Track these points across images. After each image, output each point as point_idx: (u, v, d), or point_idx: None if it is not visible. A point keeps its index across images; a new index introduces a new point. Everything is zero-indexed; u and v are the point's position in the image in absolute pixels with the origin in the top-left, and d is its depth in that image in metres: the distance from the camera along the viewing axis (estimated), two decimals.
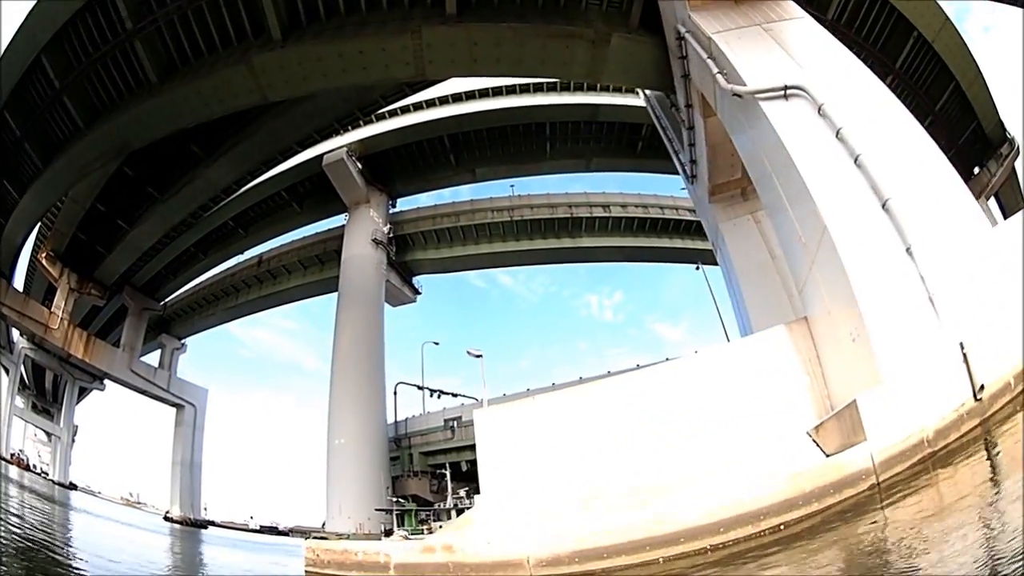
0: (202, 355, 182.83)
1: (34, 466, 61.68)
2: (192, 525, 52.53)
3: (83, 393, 69.67)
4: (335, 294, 37.69)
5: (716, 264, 49.47)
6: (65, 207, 42.59)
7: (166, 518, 53.35)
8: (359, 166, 36.36)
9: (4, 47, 25.61)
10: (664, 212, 44.93)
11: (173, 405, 55.70)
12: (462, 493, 25.88)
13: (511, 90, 38.87)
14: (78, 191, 40.73)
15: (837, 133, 9.74)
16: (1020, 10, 23.09)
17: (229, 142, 34.42)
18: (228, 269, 49.24)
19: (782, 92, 10.85)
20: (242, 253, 48.29)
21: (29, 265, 50.97)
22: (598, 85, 38.50)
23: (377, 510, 26.43)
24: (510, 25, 19.55)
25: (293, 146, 35.03)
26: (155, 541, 27.29)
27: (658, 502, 9.09)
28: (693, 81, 15.63)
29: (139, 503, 71.46)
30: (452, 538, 10.76)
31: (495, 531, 10.21)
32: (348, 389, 31.95)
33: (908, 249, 8.54)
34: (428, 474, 34.12)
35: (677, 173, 45.33)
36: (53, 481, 57.81)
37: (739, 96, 11.84)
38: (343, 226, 41.97)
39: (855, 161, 9.41)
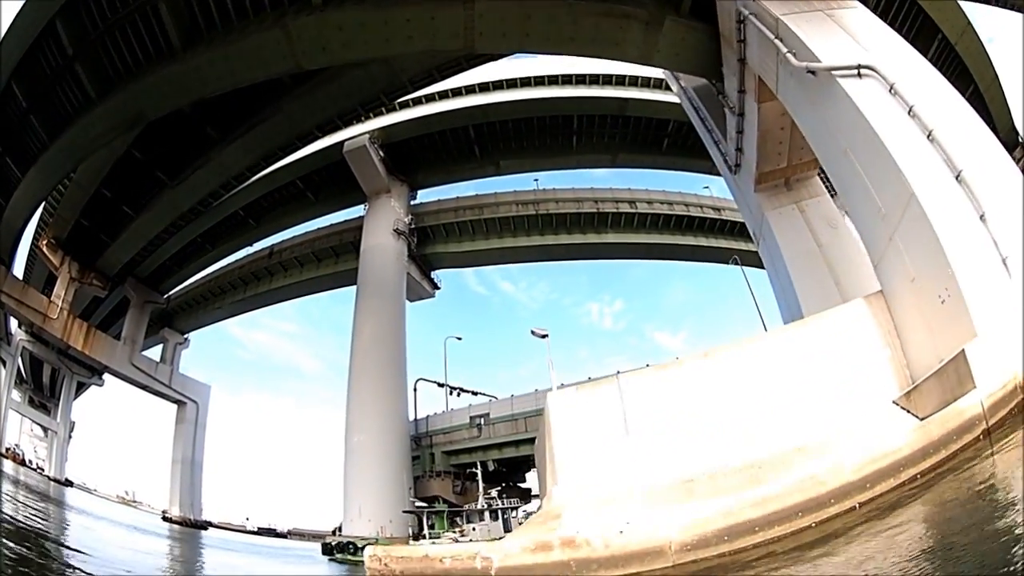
0: (201, 356, 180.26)
1: (30, 461, 59.98)
2: (192, 526, 50.41)
3: (81, 388, 68.06)
4: (347, 289, 36.31)
5: (739, 264, 48.55)
6: (69, 191, 40.79)
7: (165, 518, 51.22)
8: (381, 154, 34.73)
9: (15, 12, 23.97)
10: (689, 209, 43.88)
11: (174, 401, 53.68)
12: (494, 493, 24.42)
13: (539, 81, 37.59)
14: (83, 174, 39.00)
15: (910, 111, 10.16)
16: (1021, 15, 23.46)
17: (246, 124, 32.71)
18: (236, 261, 47.43)
19: (856, 71, 11.04)
20: (251, 245, 46.54)
21: (30, 253, 49.20)
22: (626, 79, 37.31)
23: (406, 512, 24.69)
24: (565, 1, 18.64)
25: (313, 131, 33.40)
26: (157, 546, 25.32)
27: (785, 473, 9.04)
28: (749, 65, 15.53)
29: (135, 501, 69.45)
30: (571, 531, 9.41)
31: (613, 519, 9.32)
32: (368, 384, 30.20)
33: (982, 216, 9.06)
34: (451, 474, 32.43)
35: (701, 171, 45.13)
36: (49, 477, 55.91)
37: (813, 73, 11.95)
38: (361, 217, 40.32)
39: (928, 137, 9.84)
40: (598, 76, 37.76)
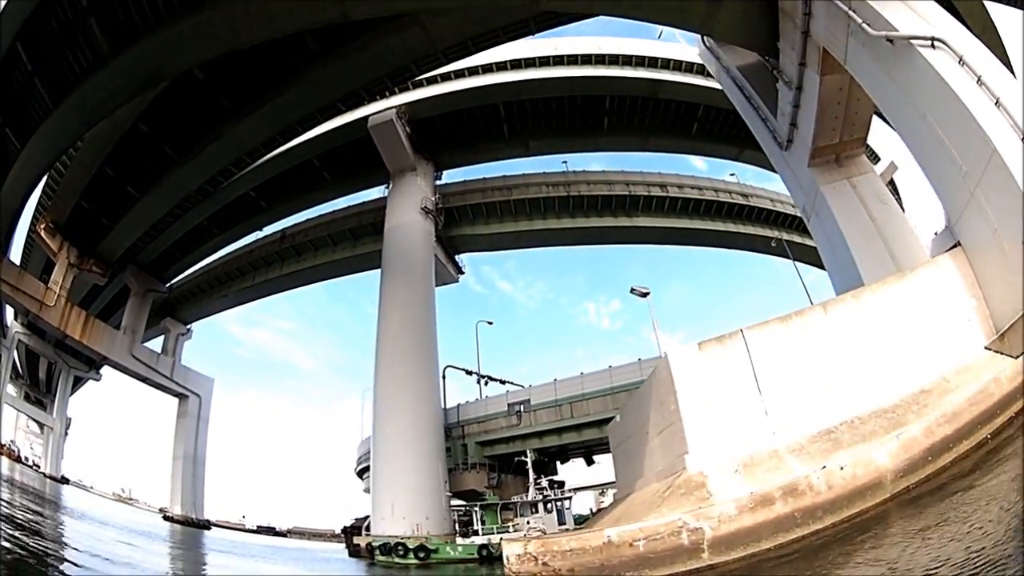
0: (198, 353, 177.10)
1: (26, 459, 57.94)
2: (194, 525, 47.97)
3: (78, 383, 65.94)
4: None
5: (758, 252, 47.09)
6: (69, 171, 38.46)
7: (166, 517, 48.74)
8: (407, 130, 32.67)
9: None
10: (719, 195, 42.77)
11: (176, 395, 51.21)
12: (545, 483, 22.79)
13: (572, 60, 35.97)
14: (85, 152, 36.72)
15: (978, 80, 10.79)
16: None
17: (266, 95, 30.57)
18: (245, 246, 45.10)
19: (929, 42, 11.61)
20: (261, 229, 44.30)
21: (27, 239, 46.71)
22: (658, 62, 36.02)
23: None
24: None
25: (337, 103, 31.28)
26: (163, 552, 22.87)
27: (922, 412, 9.36)
28: (814, 37, 15.70)
29: (131, 499, 67.51)
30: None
31: (767, 477, 8.98)
32: (398, 372, 28.05)
33: None
34: (485, 467, 30.47)
35: (728, 157, 43.74)
36: (44, 474, 53.52)
37: (891, 42, 12.44)
38: (381, 198, 38.29)
39: (996, 104, 10.44)
40: (630, 57, 36.31)
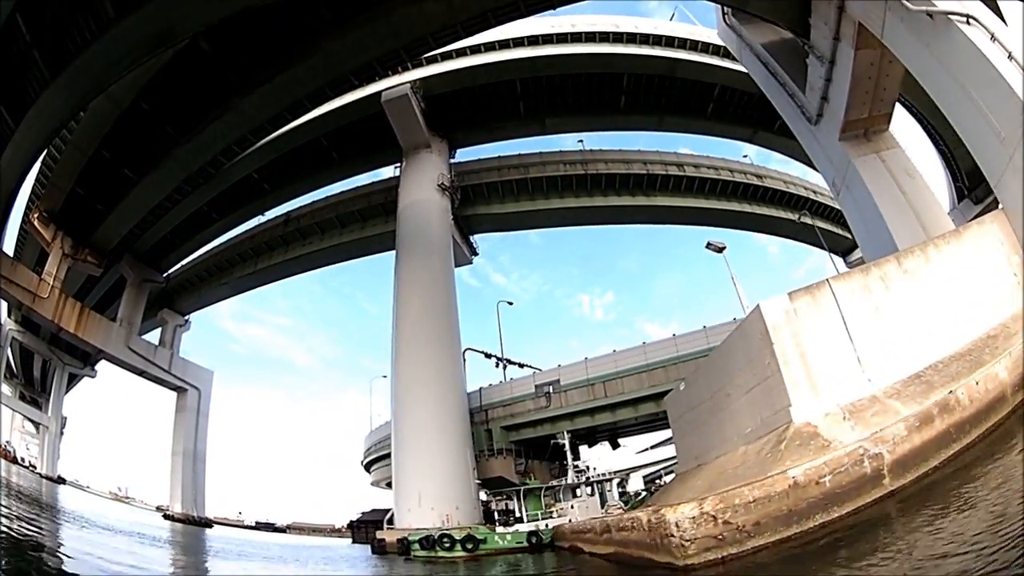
0: (194, 349, 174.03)
1: (22, 459, 56.38)
2: (195, 523, 46.39)
3: (73, 381, 64.35)
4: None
5: (773, 234, 46.58)
6: (65, 155, 36.84)
7: (166, 516, 47.07)
8: (422, 105, 31.41)
9: None
10: (734, 175, 42.38)
11: (174, 388, 49.51)
12: (582, 466, 21.91)
13: (590, 37, 35.20)
14: (81, 135, 35.19)
15: (1009, 55, 11.57)
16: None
17: (275, 67, 29.21)
18: (247, 231, 43.45)
19: (965, 19, 12.24)
20: (263, 213, 42.69)
21: (20, 231, 44.78)
22: (675, 41, 35.63)
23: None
24: None
25: (349, 77, 30.00)
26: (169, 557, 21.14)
27: (996, 353, 9.73)
28: (848, 12, 16.10)
29: (127, 498, 65.87)
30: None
31: (872, 422, 8.93)
32: (420, 355, 26.79)
33: None
34: (512, 452, 29.35)
35: (741, 139, 43.17)
36: (40, 475, 51.93)
37: (930, 16, 12.97)
38: (392, 178, 37.06)
39: None
40: (648, 36, 35.78)
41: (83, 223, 41.56)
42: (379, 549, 23.72)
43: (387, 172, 38.05)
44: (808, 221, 38.54)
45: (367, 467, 50.80)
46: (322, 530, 71.01)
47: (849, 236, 46.36)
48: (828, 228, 46.64)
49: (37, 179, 41.02)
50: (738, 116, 40.76)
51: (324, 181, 38.84)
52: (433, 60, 33.28)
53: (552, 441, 27.28)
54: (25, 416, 63.54)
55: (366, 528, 46.51)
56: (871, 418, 9.17)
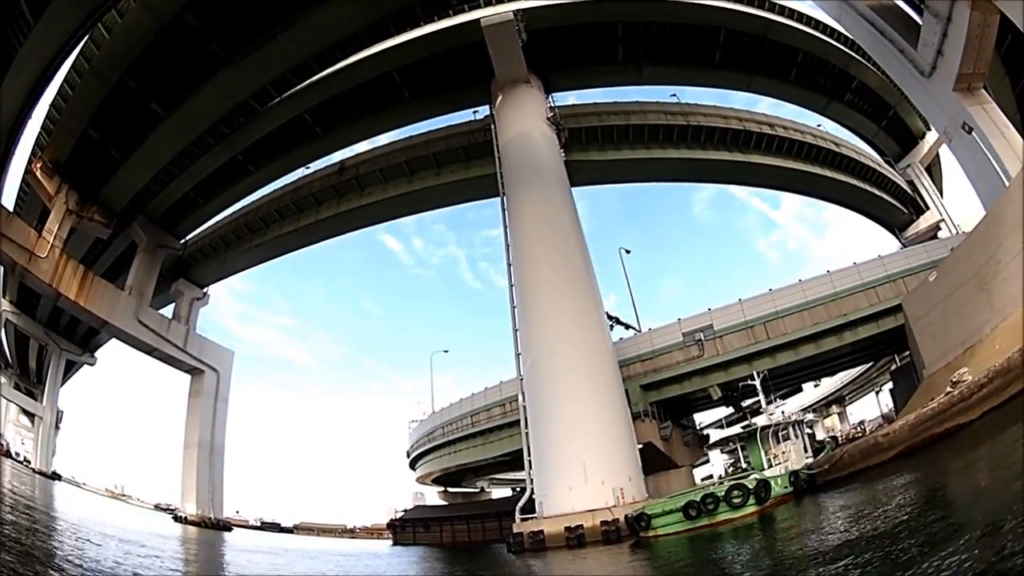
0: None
1: (16, 454, 51.41)
2: (212, 527, 40.21)
3: (70, 370, 59.16)
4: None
5: (843, 203, 44.00)
6: (81, 85, 31.14)
7: (177, 518, 40.73)
8: (524, 37, 27.06)
9: None
10: (818, 140, 40.45)
11: (188, 371, 43.40)
12: (810, 416, 18.48)
13: None
14: (105, 58, 29.57)
15: None
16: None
17: None
18: (287, 185, 37.78)
19: None
20: (308, 165, 37.27)
21: (20, 188, 38.77)
22: (766, 3, 34.73)
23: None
24: None
25: None
26: None
27: None
28: None
29: (124, 495, 60.47)
30: None
31: None
32: (553, 302, 21.57)
33: None
34: (653, 415, 24.95)
35: (816, 108, 41.46)
36: (34, 470, 46.27)
37: None
38: (471, 121, 32.35)
39: None
40: None
41: (92, 176, 36.12)
42: (516, 548, 18.70)
43: (463, 116, 33.40)
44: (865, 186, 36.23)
45: (412, 463, 45.50)
46: (332, 530, 65.45)
47: (906, 211, 46.29)
48: (891, 201, 45.33)
49: (43, 125, 35.20)
50: (816, 85, 40.22)
51: (389, 124, 33.73)
52: None
53: (742, 383, 22.96)
54: (20, 407, 58.06)
55: (413, 528, 41.40)
56: None
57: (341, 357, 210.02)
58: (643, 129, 32.69)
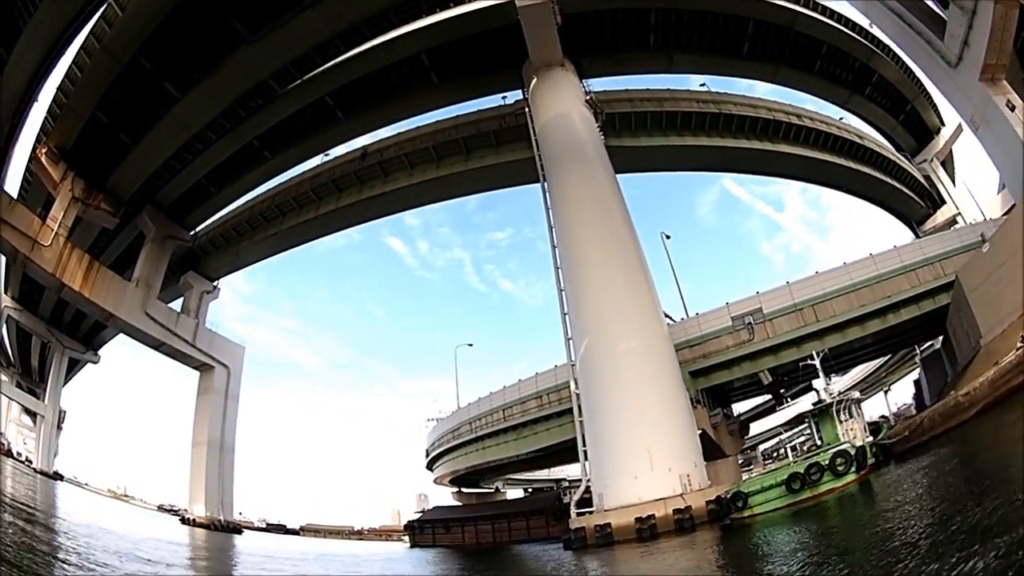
0: None
1: (18, 454, 49.56)
2: (222, 530, 38.67)
3: (72, 369, 57.48)
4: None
5: (860, 194, 43.75)
6: (91, 66, 29.72)
7: (184, 520, 39.15)
8: (559, 19, 26.18)
9: None
10: (842, 132, 40.95)
11: (197, 367, 41.90)
12: (825, 391, 17.71)
13: None
14: (118, 36, 28.26)
15: None
16: None
17: None
18: (305, 172, 36.45)
19: None
20: (328, 151, 36.02)
21: (25, 174, 37.07)
22: None
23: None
24: None
25: None
26: None
27: None
28: None
29: (126, 496, 58.90)
30: None
31: None
32: (607, 286, 20.49)
33: None
34: (703, 403, 24.17)
35: (837, 102, 41.43)
36: (36, 470, 44.74)
37: None
38: (501, 105, 31.35)
39: None
40: None
41: (99, 162, 34.82)
42: (576, 544, 17.57)
43: (492, 101, 32.38)
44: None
45: (430, 464, 44.21)
46: (339, 532, 63.94)
47: (923, 205, 46.42)
48: (910, 195, 45.28)
49: (49, 110, 33.78)
50: (838, 78, 40.04)
51: (415, 109, 32.61)
52: None
53: (801, 363, 22.34)
54: (22, 406, 56.58)
55: (433, 529, 40.10)
56: None
57: (345, 359, 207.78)
58: (676, 116, 32.21)
